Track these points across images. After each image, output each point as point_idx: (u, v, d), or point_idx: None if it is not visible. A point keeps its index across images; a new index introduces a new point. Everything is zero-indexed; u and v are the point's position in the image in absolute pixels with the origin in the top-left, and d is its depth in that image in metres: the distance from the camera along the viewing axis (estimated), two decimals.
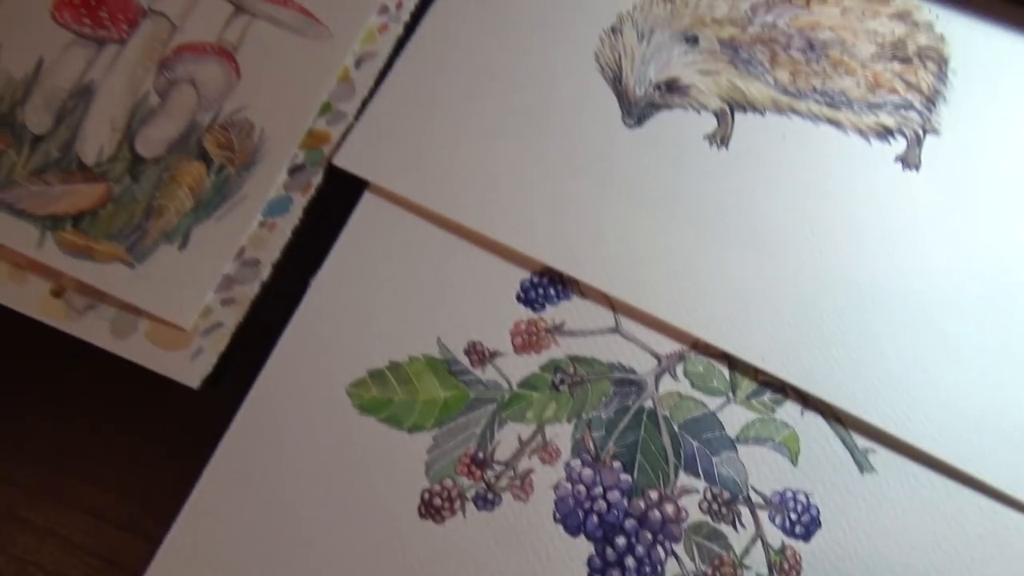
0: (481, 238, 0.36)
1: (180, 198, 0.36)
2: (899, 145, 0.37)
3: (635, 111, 0.38)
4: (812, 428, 0.33)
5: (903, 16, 0.39)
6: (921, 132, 0.37)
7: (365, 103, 0.38)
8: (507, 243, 0.35)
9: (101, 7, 0.39)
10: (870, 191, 0.36)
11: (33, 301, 0.35)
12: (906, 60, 0.38)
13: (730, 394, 0.34)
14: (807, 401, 0.33)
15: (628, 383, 0.34)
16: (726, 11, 0.39)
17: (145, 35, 0.39)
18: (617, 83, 0.38)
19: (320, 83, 0.38)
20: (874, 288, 0.34)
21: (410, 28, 0.39)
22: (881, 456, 0.32)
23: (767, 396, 0.34)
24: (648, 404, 0.34)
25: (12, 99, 0.38)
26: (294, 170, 0.37)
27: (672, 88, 0.38)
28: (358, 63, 0.38)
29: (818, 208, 0.36)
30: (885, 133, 0.37)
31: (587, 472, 0.32)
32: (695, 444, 0.33)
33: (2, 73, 0.38)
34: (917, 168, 0.37)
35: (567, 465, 0.33)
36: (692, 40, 0.39)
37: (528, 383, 0.34)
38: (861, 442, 0.33)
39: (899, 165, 0.37)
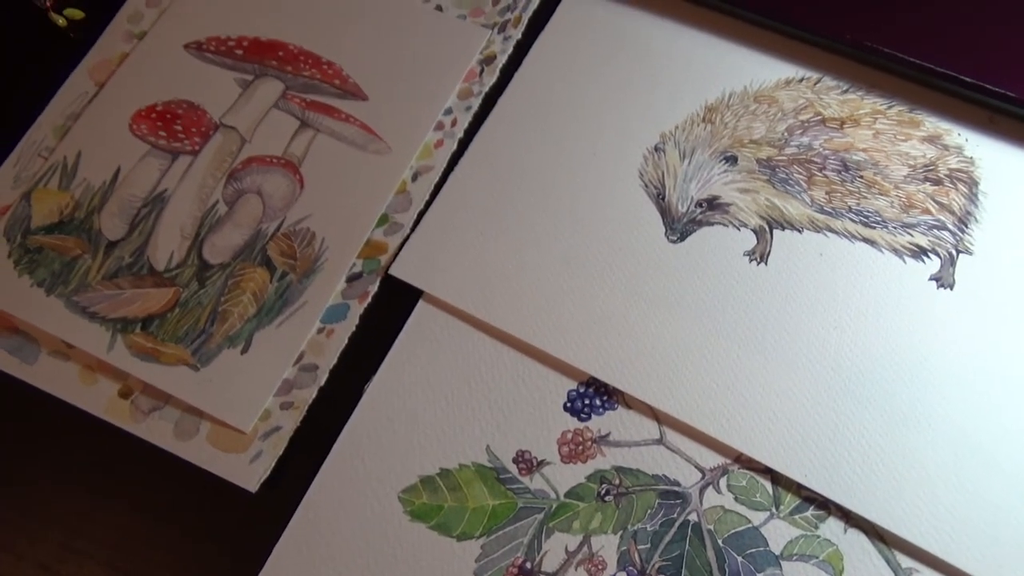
0: (529, 348, 0.37)
1: (244, 303, 0.38)
2: (933, 264, 0.38)
3: (678, 227, 0.39)
4: (855, 546, 0.34)
5: (933, 139, 0.41)
6: (954, 252, 0.39)
7: (421, 215, 0.40)
8: (554, 353, 0.37)
9: (176, 121, 0.42)
10: (906, 310, 0.37)
11: (101, 402, 0.36)
12: (938, 182, 0.40)
13: (773, 509, 0.34)
14: (850, 518, 0.34)
15: (673, 495, 0.35)
16: (763, 132, 0.41)
17: (216, 147, 0.41)
18: (660, 200, 0.40)
19: (379, 195, 0.40)
20: (914, 407, 0.35)
21: (464, 144, 0.42)
22: None
23: (810, 512, 0.34)
24: (693, 517, 0.34)
25: (90, 206, 0.40)
26: (352, 278, 0.39)
27: (713, 205, 0.40)
28: (415, 176, 0.41)
29: (856, 325, 0.37)
30: (919, 252, 0.39)
31: None
32: (739, 559, 0.33)
33: (81, 181, 0.41)
34: (951, 288, 0.38)
35: None
36: (731, 160, 0.41)
37: (575, 493, 0.35)
38: (904, 561, 0.33)
39: (934, 284, 0.38)
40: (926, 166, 0.40)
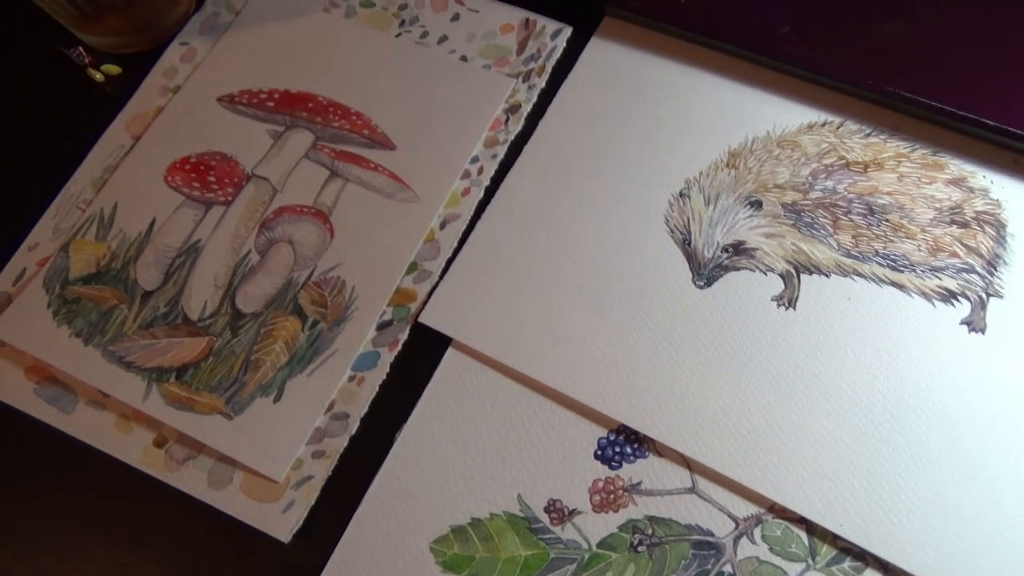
0: (559, 395, 0.37)
1: (276, 352, 0.38)
2: (963, 308, 0.38)
3: (704, 272, 0.40)
4: None
5: (958, 182, 0.41)
6: (984, 295, 0.38)
7: (449, 262, 0.40)
8: (583, 400, 0.37)
9: (209, 172, 0.43)
10: (938, 354, 0.37)
11: (136, 451, 0.37)
12: (964, 225, 0.40)
13: (809, 560, 0.34)
14: (888, 570, 0.33)
15: (706, 546, 0.34)
16: (787, 177, 0.42)
17: (248, 197, 0.42)
18: (686, 245, 0.40)
19: (408, 244, 0.41)
20: (949, 453, 0.35)
21: (491, 192, 0.42)
22: None
23: (847, 563, 0.34)
24: (727, 569, 0.34)
25: (126, 256, 0.41)
26: (382, 326, 0.39)
27: (739, 250, 0.40)
28: (443, 224, 0.41)
29: (888, 371, 0.37)
30: (949, 296, 0.39)
31: None
32: None
33: (118, 232, 0.42)
34: (983, 332, 0.38)
35: None
36: (756, 205, 0.41)
37: (607, 543, 0.35)
38: None
39: (965, 328, 0.38)
40: (952, 209, 0.40)
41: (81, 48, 0.47)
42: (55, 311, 0.40)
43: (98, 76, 0.46)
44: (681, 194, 0.42)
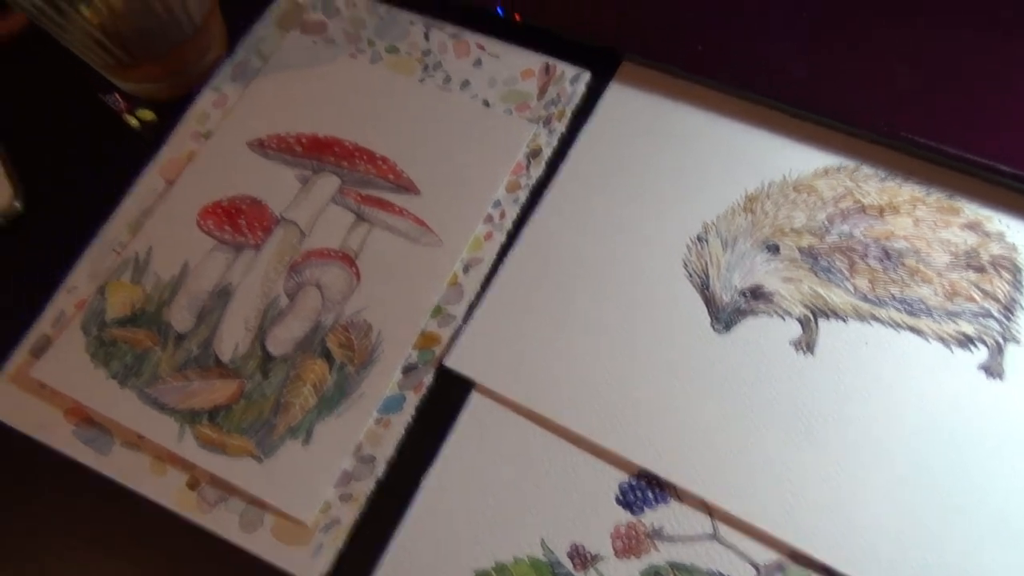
0: (580, 439, 0.38)
1: (305, 395, 0.40)
2: (981, 354, 0.39)
3: (723, 316, 0.40)
4: None
5: (974, 226, 0.42)
6: (1002, 340, 0.39)
7: (472, 306, 0.41)
8: (604, 445, 0.37)
9: (240, 216, 0.44)
10: (956, 399, 0.38)
11: (171, 493, 0.38)
12: (980, 269, 0.41)
13: None
14: None
15: None
16: (804, 221, 0.42)
17: (278, 241, 0.44)
18: (705, 289, 0.41)
19: (432, 287, 0.42)
20: (973, 500, 0.35)
21: (512, 236, 0.43)
22: None
23: None
24: None
25: (160, 300, 0.42)
26: (407, 369, 0.40)
27: (757, 295, 0.41)
28: (466, 268, 0.42)
29: (906, 416, 0.37)
30: (966, 341, 0.39)
31: None
32: None
33: (152, 275, 0.43)
34: (1001, 377, 0.38)
35: None
36: (773, 249, 0.42)
37: None
38: None
39: (983, 374, 0.38)
40: (968, 253, 0.41)
41: (117, 94, 0.48)
42: (92, 353, 0.41)
43: (133, 122, 0.48)
44: (699, 238, 0.42)
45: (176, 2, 0.44)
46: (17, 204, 0.45)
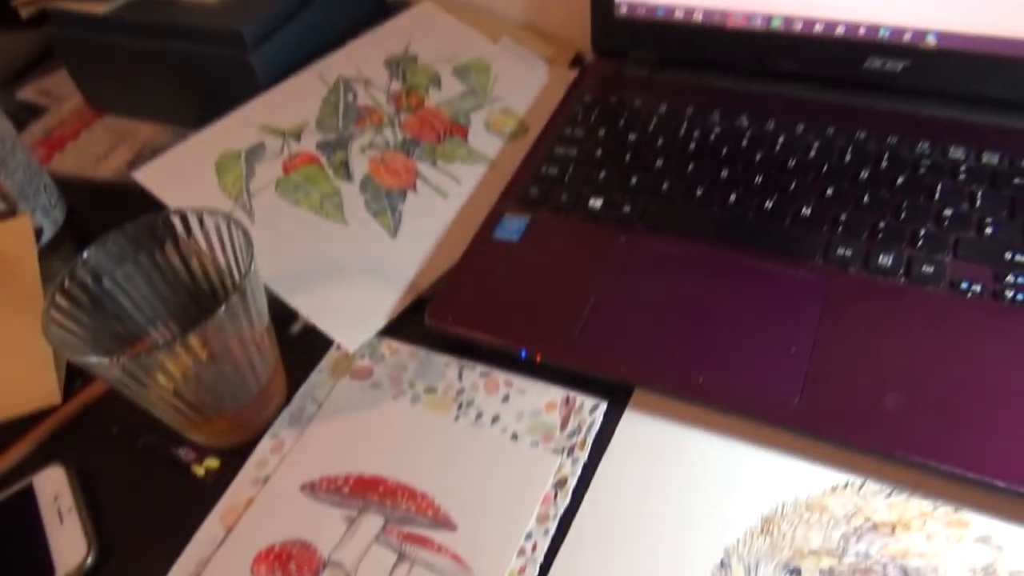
0: None
1: None
2: None
3: None
4: None
5: (985, 540, 0.44)
6: None
7: None
8: None
9: (290, 560, 0.48)
10: None
11: None
12: None
13: None
14: None
15: None
16: (820, 542, 0.45)
17: None
18: None
19: None
20: None
21: (544, 568, 0.46)
22: None
23: None
24: None
25: None
26: None
27: None
28: None
29: None
30: None
31: None
32: None
33: None
34: None
35: None
36: (795, 572, 0.44)
37: None
38: None
39: None
40: (985, 569, 0.42)
41: (188, 446, 0.55)
42: None
43: (200, 471, 0.54)
44: (722, 563, 0.45)
45: (246, 368, 0.52)
46: (90, 561, 0.49)
